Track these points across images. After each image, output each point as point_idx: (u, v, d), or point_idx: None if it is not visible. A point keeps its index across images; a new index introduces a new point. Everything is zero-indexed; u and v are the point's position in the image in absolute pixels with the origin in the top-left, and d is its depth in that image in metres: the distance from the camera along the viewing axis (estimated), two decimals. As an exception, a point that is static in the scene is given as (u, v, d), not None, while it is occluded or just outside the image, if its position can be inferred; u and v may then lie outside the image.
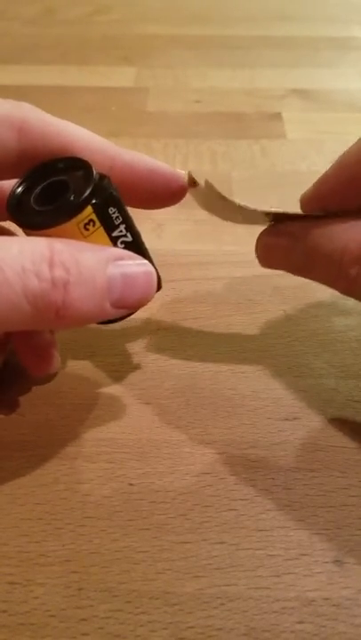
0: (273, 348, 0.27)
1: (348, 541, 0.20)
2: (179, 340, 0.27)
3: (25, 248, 0.18)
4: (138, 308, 0.21)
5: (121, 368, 0.26)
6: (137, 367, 0.26)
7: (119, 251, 0.20)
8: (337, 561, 0.20)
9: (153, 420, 0.24)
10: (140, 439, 0.23)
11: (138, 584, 0.19)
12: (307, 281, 0.29)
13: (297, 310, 0.29)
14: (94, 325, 0.28)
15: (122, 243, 0.21)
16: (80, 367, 0.26)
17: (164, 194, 0.23)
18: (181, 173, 0.23)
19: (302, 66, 0.51)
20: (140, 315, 0.28)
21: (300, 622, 0.18)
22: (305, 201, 0.23)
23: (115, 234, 0.21)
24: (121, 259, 0.20)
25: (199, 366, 0.26)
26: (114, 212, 0.21)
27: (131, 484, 0.22)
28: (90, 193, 0.20)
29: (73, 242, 0.19)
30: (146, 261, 0.20)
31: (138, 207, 0.23)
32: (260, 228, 0.26)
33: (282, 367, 0.26)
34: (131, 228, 0.21)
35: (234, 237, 0.33)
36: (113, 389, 0.25)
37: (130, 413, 0.24)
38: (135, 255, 0.20)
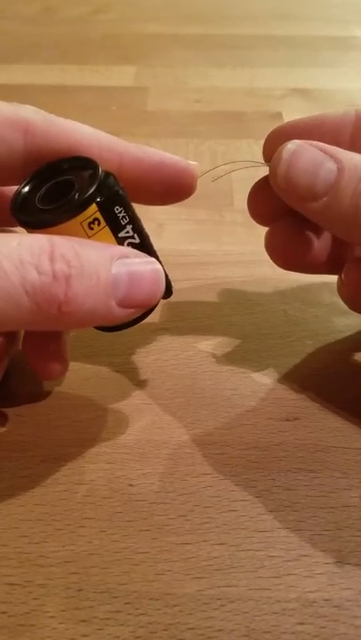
0: (273, 348, 0.27)
1: (349, 542, 0.20)
2: (179, 339, 0.27)
3: (24, 241, 0.17)
4: (145, 308, 0.20)
5: (121, 368, 0.26)
6: (137, 367, 0.26)
7: (124, 248, 0.20)
8: (338, 562, 0.20)
9: (153, 421, 0.24)
10: (140, 440, 0.23)
11: (138, 585, 0.19)
12: (307, 281, 0.29)
13: (297, 310, 0.28)
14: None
15: (129, 244, 0.20)
16: (80, 367, 0.26)
17: (175, 187, 0.22)
18: (193, 164, 0.23)
19: (302, 65, 0.51)
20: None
21: (301, 623, 0.18)
22: (275, 133, 0.23)
23: (121, 234, 0.20)
24: (126, 256, 0.19)
25: (199, 366, 0.26)
26: (120, 212, 0.20)
27: (131, 485, 0.22)
28: (94, 190, 0.19)
29: (75, 238, 0.18)
30: (153, 259, 0.20)
31: (150, 203, 0.23)
32: (259, 229, 0.26)
33: (282, 367, 0.26)
34: (139, 229, 0.21)
35: (234, 237, 0.33)
36: (113, 389, 0.25)
37: (130, 414, 0.24)
38: (141, 253, 0.20)
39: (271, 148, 0.23)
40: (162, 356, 0.26)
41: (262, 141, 0.24)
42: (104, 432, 0.23)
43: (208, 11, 0.61)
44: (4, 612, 0.19)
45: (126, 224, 0.20)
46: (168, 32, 0.56)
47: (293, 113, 0.44)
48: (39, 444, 0.23)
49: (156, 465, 0.22)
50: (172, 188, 0.22)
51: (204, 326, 0.28)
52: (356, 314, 0.27)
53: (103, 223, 0.20)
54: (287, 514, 0.21)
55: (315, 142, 0.21)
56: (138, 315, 0.20)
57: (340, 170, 0.20)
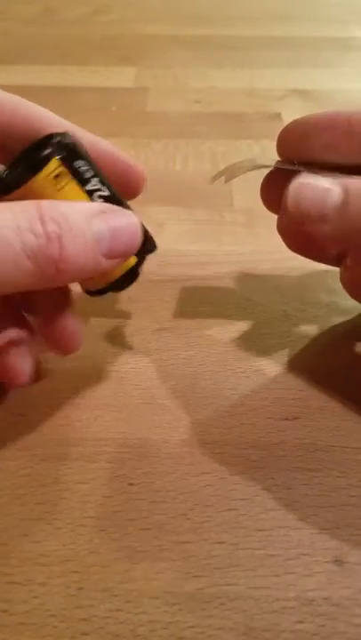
0: (273, 348, 0.27)
1: (348, 541, 0.20)
2: (179, 339, 0.27)
3: (15, 209, 0.18)
4: (128, 257, 0.22)
5: (121, 368, 0.26)
6: (137, 367, 0.26)
7: (101, 205, 0.21)
8: (337, 561, 0.20)
9: (153, 420, 0.24)
10: (140, 439, 0.23)
11: (138, 584, 0.19)
12: (307, 281, 0.29)
13: (297, 310, 0.29)
14: (94, 322, 0.28)
15: (100, 197, 0.21)
16: (80, 367, 0.26)
17: (122, 181, 0.24)
18: (140, 168, 0.24)
19: (302, 66, 0.51)
20: (140, 315, 0.28)
21: (300, 622, 0.18)
22: (288, 127, 0.24)
23: (88, 187, 0.21)
24: (104, 212, 0.20)
25: (199, 366, 0.26)
26: (83, 165, 0.21)
27: (131, 484, 0.22)
28: (51, 145, 0.20)
29: (56, 201, 0.20)
30: (129, 212, 0.21)
31: None
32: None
33: (282, 367, 0.26)
34: (106, 182, 0.22)
35: (234, 237, 0.33)
36: (113, 389, 0.25)
37: (130, 413, 0.24)
38: (117, 207, 0.21)
39: (285, 145, 0.24)
40: (162, 355, 0.27)
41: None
42: (104, 431, 0.23)
43: (208, 11, 0.61)
44: (5, 611, 0.19)
45: (91, 177, 0.21)
46: (168, 33, 0.56)
47: (293, 113, 0.44)
48: (40, 444, 0.23)
49: (156, 464, 0.22)
50: (122, 182, 0.24)
51: (204, 326, 0.28)
52: (356, 314, 0.28)
53: (69, 176, 0.20)
54: (287, 513, 0.21)
55: (318, 174, 0.22)
56: (122, 264, 0.21)
57: (345, 191, 0.21)
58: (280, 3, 0.62)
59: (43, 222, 0.18)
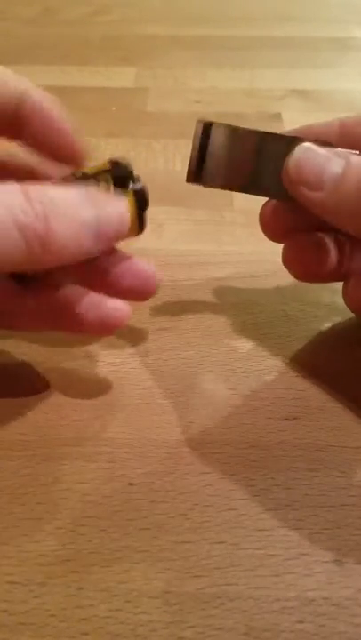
0: (273, 348, 0.27)
1: (348, 541, 0.20)
2: (179, 339, 0.27)
3: (1, 190, 0.19)
4: (114, 243, 0.22)
5: (121, 368, 0.26)
6: (137, 367, 0.26)
7: (89, 191, 0.21)
8: (337, 560, 0.20)
9: (153, 420, 0.24)
10: (140, 439, 0.23)
11: (138, 583, 0.19)
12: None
13: (297, 310, 0.29)
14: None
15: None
16: (80, 367, 0.26)
17: (63, 147, 0.24)
18: (84, 141, 0.24)
19: (302, 66, 0.51)
20: (140, 315, 0.28)
21: (300, 622, 0.18)
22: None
23: None
24: (92, 198, 0.20)
25: (199, 366, 0.26)
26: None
27: (131, 484, 0.22)
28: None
29: (45, 186, 0.20)
30: (118, 199, 0.22)
31: (41, 154, 0.24)
32: (259, 229, 0.26)
33: (282, 367, 0.26)
34: None
35: (234, 237, 0.33)
36: (113, 389, 0.25)
37: (130, 413, 0.24)
38: (106, 194, 0.22)
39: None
40: (162, 355, 0.27)
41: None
42: (104, 431, 0.23)
43: (208, 12, 0.61)
44: (5, 611, 0.19)
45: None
46: (168, 33, 0.56)
47: (293, 114, 0.45)
48: (40, 444, 0.23)
49: (155, 464, 0.22)
50: (61, 148, 0.24)
51: (203, 326, 0.28)
52: (356, 314, 0.28)
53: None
54: (286, 512, 0.21)
55: (327, 145, 0.23)
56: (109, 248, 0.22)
57: (348, 164, 0.21)
58: (280, 3, 0.62)
59: (29, 200, 0.19)
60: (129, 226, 0.22)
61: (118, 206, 0.21)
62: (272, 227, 0.26)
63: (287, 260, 0.26)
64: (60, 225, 0.19)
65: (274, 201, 0.25)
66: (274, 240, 0.26)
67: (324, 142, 0.23)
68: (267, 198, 0.25)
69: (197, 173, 0.25)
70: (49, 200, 0.19)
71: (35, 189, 0.19)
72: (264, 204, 0.26)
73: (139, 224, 0.23)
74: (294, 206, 0.23)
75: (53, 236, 0.19)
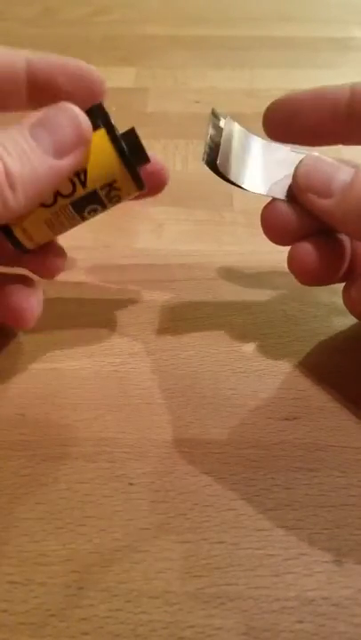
0: (272, 348, 0.27)
1: (348, 541, 0.20)
2: (179, 339, 0.27)
3: None
4: (84, 148, 0.21)
5: (121, 368, 0.26)
6: (137, 367, 0.26)
7: (33, 114, 0.21)
8: (337, 560, 0.20)
9: (153, 420, 0.24)
10: (140, 439, 0.23)
11: (138, 583, 0.19)
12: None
13: (297, 310, 0.29)
14: (94, 321, 0.28)
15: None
16: (80, 367, 0.26)
17: (79, 84, 0.24)
18: (95, 69, 0.25)
19: (302, 66, 0.51)
20: (140, 315, 0.28)
21: (300, 622, 0.18)
22: (274, 105, 0.25)
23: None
24: (38, 118, 0.20)
25: (199, 366, 0.26)
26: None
27: (131, 484, 0.22)
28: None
29: None
30: (65, 104, 0.21)
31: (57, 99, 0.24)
32: (259, 229, 0.26)
33: (282, 367, 0.26)
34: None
35: (234, 237, 0.33)
36: (113, 389, 0.25)
37: (130, 413, 0.24)
38: (48, 107, 0.21)
39: (272, 122, 0.25)
40: (162, 355, 0.27)
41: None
42: (104, 431, 0.24)
43: (207, 12, 0.61)
44: (5, 611, 0.19)
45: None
46: (168, 33, 0.56)
47: (293, 113, 0.44)
48: (40, 444, 0.23)
49: (155, 464, 0.22)
50: (77, 86, 0.24)
51: (204, 326, 0.28)
52: (357, 318, 0.28)
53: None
54: (286, 512, 0.21)
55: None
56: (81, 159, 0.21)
57: (356, 173, 0.22)
58: (280, 3, 0.62)
59: None
60: (89, 129, 0.21)
61: (66, 110, 0.21)
62: (277, 231, 0.25)
63: (291, 266, 0.25)
64: (13, 157, 0.19)
65: (276, 203, 0.25)
66: (278, 244, 0.26)
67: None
68: (268, 199, 0.25)
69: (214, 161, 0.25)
70: None
71: None
72: (265, 207, 0.25)
73: (132, 177, 0.22)
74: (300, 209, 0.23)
75: (12, 171, 0.19)
